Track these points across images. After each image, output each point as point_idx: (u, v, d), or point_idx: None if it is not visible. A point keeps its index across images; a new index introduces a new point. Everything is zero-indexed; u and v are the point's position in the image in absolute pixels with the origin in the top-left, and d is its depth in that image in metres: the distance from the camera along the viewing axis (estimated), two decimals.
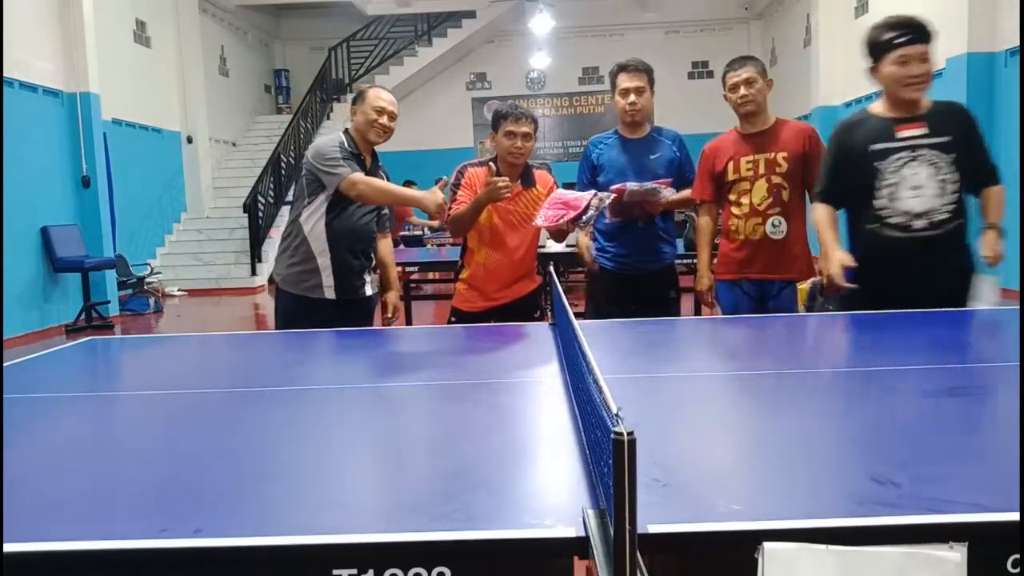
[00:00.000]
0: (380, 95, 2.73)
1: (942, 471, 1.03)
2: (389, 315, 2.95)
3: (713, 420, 1.38)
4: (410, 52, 13.59)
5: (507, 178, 2.62)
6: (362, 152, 2.74)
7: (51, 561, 0.86)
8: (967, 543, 0.83)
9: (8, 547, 0.85)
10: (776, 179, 2.80)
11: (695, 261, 3.16)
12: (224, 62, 12.68)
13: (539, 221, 2.68)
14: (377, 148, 2.82)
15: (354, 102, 2.77)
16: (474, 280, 2.87)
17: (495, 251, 2.81)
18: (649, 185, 2.83)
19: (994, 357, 1.85)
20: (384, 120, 2.70)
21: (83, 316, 7.45)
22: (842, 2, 10.40)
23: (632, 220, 2.95)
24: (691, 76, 14.13)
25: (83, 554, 0.86)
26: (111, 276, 8.06)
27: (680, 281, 3.26)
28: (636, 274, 3.00)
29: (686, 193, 3.01)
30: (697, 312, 4.18)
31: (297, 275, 2.72)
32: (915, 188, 2.34)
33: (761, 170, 2.81)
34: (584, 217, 2.64)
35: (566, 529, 0.87)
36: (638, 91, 2.93)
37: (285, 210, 10.92)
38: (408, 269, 5.11)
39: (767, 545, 0.83)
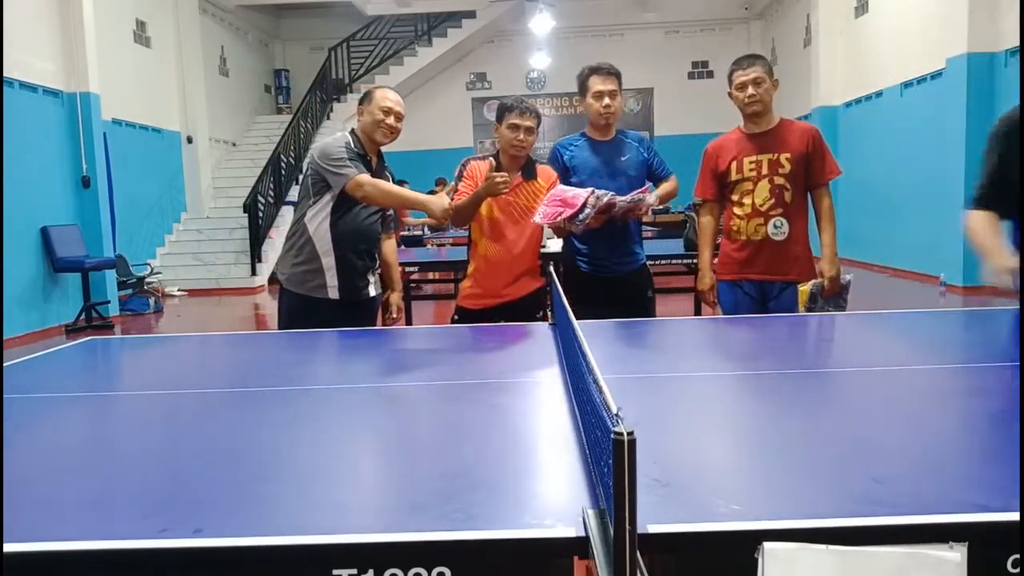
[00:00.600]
0: (387, 95, 2.73)
1: (942, 471, 1.03)
2: (393, 315, 2.97)
3: (713, 420, 1.39)
4: (410, 52, 13.59)
5: (506, 174, 2.66)
6: (368, 152, 2.74)
7: (51, 561, 0.86)
8: (967, 543, 0.83)
9: (8, 547, 0.85)
10: (779, 180, 2.79)
11: (695, 261, 3.16)
12: (224, 62, 12.68)
13: (537, 218, 2.73)
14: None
15: (361, 102, 2.77)
16: (477, 274, 2.91)
17: (495, 242, 2.86)
18: (636, 196, 2.83)
19: (994, 357, 1.85)
20: (391, 120, 2.70)
21: (83, 316, 7.45)
22: (842, 2, 10.40)
23: (612, 219, 2.93)
24: (691, 76, 14.13)
25: (83, 554, 0.86)
26: (111, 276, 8.06)
27: (675, 281, 3.26)
28: (612, 275, 3.00)
29: (667, 186, 3.01)
30: (697, 312, 4.18)
31: (301, 275, 2.72)
32: None
33: (764, 171, 2.80)
34: (581, 216, 2.67)
35: (566, 529, 0.87)
36: (611, 94, 2.93)
37: (285, 210, 10.92)
38: (408, 269, 5.11)
39: (767, 545, 0.83)
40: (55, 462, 1.21)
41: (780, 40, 13.05)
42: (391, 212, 2.94)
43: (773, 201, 2.80)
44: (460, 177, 2.88)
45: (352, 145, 2.68)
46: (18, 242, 6.82)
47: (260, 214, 10.49)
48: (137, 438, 1.39)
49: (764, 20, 13.92)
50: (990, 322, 2.27)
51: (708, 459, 1.16)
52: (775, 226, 2.80)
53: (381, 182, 2.66)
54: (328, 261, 2.69)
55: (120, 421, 1.53)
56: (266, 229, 10.68)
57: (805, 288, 2.77)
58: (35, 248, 7.16)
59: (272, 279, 10.43)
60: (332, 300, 2.70)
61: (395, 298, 2.99)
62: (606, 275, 3.00)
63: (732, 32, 14.06)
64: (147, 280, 9.01)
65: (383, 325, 2.92)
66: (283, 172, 11.32)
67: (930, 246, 8.00)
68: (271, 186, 11.02)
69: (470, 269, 2.94)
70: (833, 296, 2.77)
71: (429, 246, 8.64)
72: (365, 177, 2.59)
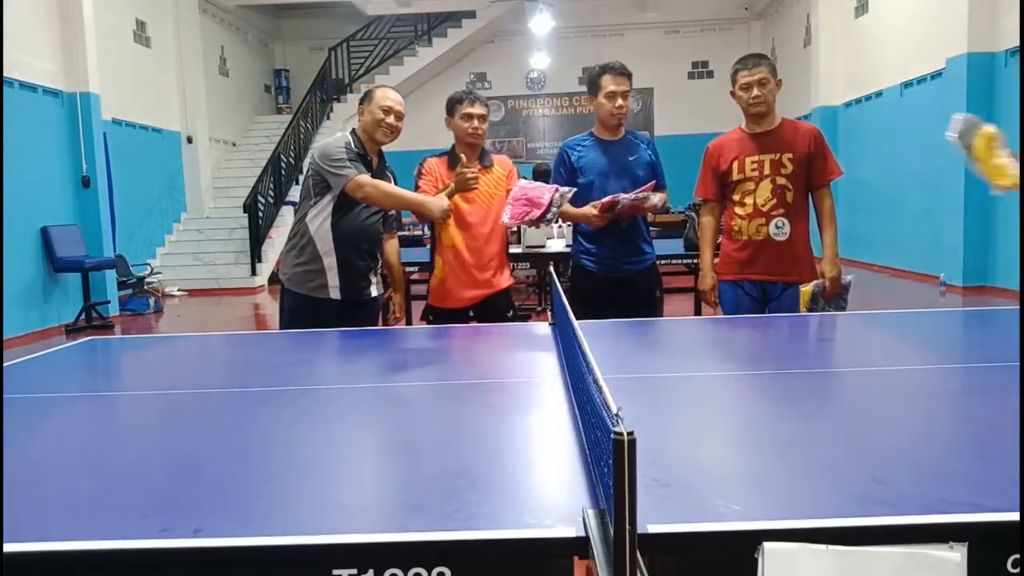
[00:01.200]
0: (387, 94, 2.74)
1: (942, 471, 1.03)
2: (396, 315, 2.99)
3: (713, 420, 1.38)
4: (410, 52, 13.58)
5: (475, 168, 2.71)
6: (368, 152, 2.74)
7: (51, 561, 0.86)
8: (967, 543, 0.83)
9: (8, 547, 0.85)
10: (781, 180, 2.79)
11: (696, 261, 3.15)
12: (224, 62, 12.67)
13: (505, 218, 2.81)
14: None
15: (361, 102, 2.78)
16: (447, 267, 2.96)
17: (462, 231, 2.92)
18: (640, 194, 2.83)
19: (994, 357, 1.85)
20: (391, 119, 2.70)
21: (83, 316, 7.45)
22: (842, 2, 10.40)
23: (618, 218, 2.94)
24: (691, 76, 14.13)
25: (83, 554, 0.86)
26: (111, 276, 8.06)
27: (675, 281, 3.26)
28: (620, 275, 3.00)
29: (664, 196, 3.01)
30: (698, 312, 4.18)
31: (303, 274, 2.72)
32: None
33: (766, 171, 2.80)
34: (548, 215, 2.75)
35: (566, 529, 0.87)
36: (624, 95, 2.93)
37: (285, 210, 10.92)
38: (408, 269, 5.11)
39: (767, 545, 0.83)
40: (55, 462, 1.21)
41: (780, 40, 13.05)
42: (393, 212, 2.95)
43: (775, 201, 2.79)
44: (420, 175, 2.95)
45: (352, 145, 2.68)
46: (18, 242, 6.82)
47: (260, 214, 10.49)
48: (137, 438, 1.39)
49: (764, 20, 13.92)
50: (990, 322, 2.27)
51: (708, 459, 1.16)
52: (777, 226, 2.79)
53: (381, 183, 2.66)
54: (329, 261, 2.70)
55: (120, 421, 1.53)
56: (266, 229, 10.67)
57: (806, 289, 2.77)
58: (35, 248, 7.16)
59: (272, 279, 10.43)
60: (333, 300, 2.71)
61: (397, 298, 3.01)
62: (613, 274, 3.00)
63: (732, 32, 14.06)
64: (147, 280, 9.00)
65: (384, 325, 2.94)
66: (283, 172, 11.32)
67: (930, 246, 8.00)
68: (271, 186, 11.01)
69: (439, 265, 2.99)
70: (834, 297, 2.77)
71: (429, 246, 8.61)
72: (365, 178, 2.60)
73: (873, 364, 1.75)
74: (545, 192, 2.75)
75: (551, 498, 1.01)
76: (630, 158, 2.97)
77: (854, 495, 0.94)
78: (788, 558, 0.82)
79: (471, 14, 13.30)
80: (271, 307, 8.76)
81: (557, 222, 3.08)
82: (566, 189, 2.78)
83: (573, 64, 14.33)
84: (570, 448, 1.16)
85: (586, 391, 1.10)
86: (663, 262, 4.33)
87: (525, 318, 3.06)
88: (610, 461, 0.77)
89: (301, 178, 2.94)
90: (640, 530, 0.78)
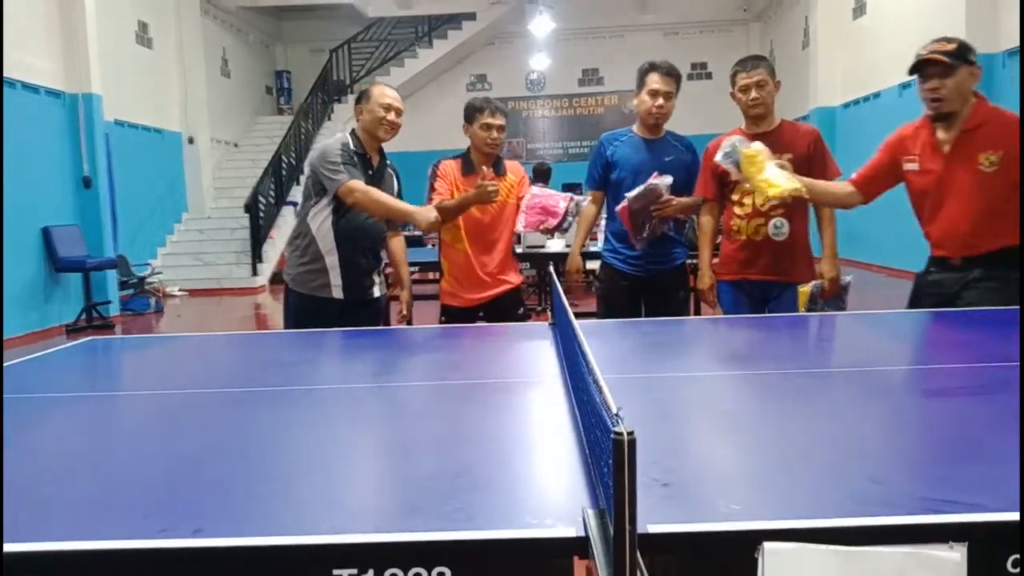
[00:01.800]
0: (385, 92, 2.74)
1: (942, 471, 1.03)
2: (403, 312, 3.01)
3: (713, 420, 1.38)
4: (411, 54, 13.59)
5: (496, 183, 2.74)
6: (368, 151, 2.75)
7: (51, 561, 0.85)
8: (967, 543, 0.83)
9: (8, 547, 0.85)
10: None
11: (694, 261, 3.16)
12: (226, 63, 12.68)
13: (519, 227, 2.86)
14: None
15: (358, 101, 2.78)
16: (455, 269, 2.99)
17: (471, 235, 2.94)
18: (645, 186, 2.82)
19: (994, 357, 1.85)
20: (391, 116, 2.71)
21: (84, 316, 7.45)
22: (840, 4, 10.40)
23: (656, 237, 2.90)
24: (690, 77, 14.11)
25: (83, 554, 0.86)
26: (112, 276, 8.07)
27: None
28: (648, 276, 3.00)
29: (688, 200, 2.99)
30: (697, 312, 4.18)
31: (305, 274, 2.73)
32: None
33: None
34: (564, 224, 2.80)
35: (566, 529, 0.87)
36: (667, 95, 2.93)
37: (286, 210, 10.93)
38: (408, 269, 5.11)
39: (767, 545, 0.82)
40: (55, 462, 1.21)
41: (779, 41, 13.06)
42: None
43: (774, 201, 2.79)
44: (434, 177, 2.97)
45: (351, 146, 2.69)
46: (19, 242, 6.82)
47: (261, 214, 10.50)
48: (137, 438, 1.39)
49: (763, 22, 13.92)
50: (990, 322, 2.27)
51: (708, 459, 1.16)
52: (775, 226, 2.79)
53: (372, 190, 2.65)
54: (332, 260, 2.70)
55: (120, 421, 1.53)
56: (267, 229, 10.68)
57: (805, 289, 2.77)
58: (36, 248, 7.16)
59: (273, 279, 10.44)
60: (336, 299, 2.71)
61: (405, 295, 3.01)
62: (639, 273, 3.00)
63: (731, 34, 14.06)
64: (148, 280, 9.01)
65: (399, 323, 2.98)
66: (284, 173, 11.34)
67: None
68: (272, 187, 11.03)
69: (447, 268, 3.03)
70: (833, 298, 2.77)
71: (430, 246, 8.62)
72: (356, 183, 2.60)
73: (873, 364, 1.75)
74: (560, 201, 2.76)
75: (551, 498, 1.01)
76: (666, 159, 2.95)
77: (854, 495, 0.94)
78: (788, 558, 0.82)
79: (471, 16, 13.32)
80: (272, 307, 8.76)
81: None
82: (580, 198, 2.80)
83: (573, 66, 14.35)
84: (570, 448, 1.16)
85: (586, 391, 1.10)
86: None
87: (525, 318, 3.08)
88: (610, 461, 0.77)
89: (302, 179, 2.95)
90: (640, 530, 0.78)
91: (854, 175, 2.62)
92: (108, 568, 0.87)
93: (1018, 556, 0.84)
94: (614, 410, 0.80)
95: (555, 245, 4.54)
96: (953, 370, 1.64)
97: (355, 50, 13.76)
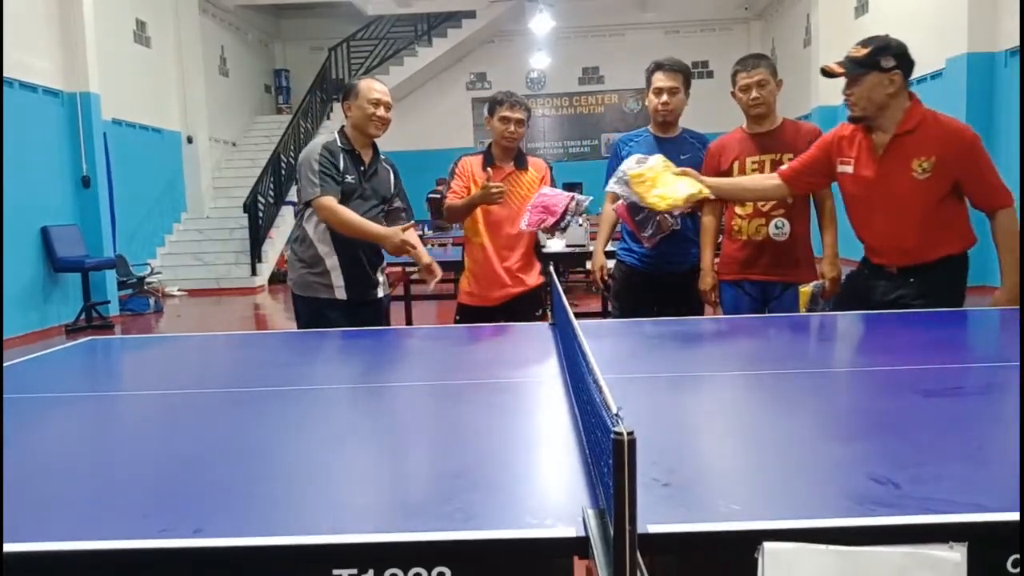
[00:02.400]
0: (373, 86, 2.72)
1: (942, 471, 1.03)
2: (424, 261, 2.73)
3: (713, 420, 1.39)
4: (410, 52, 13.58)
5: (502, 184, 2.74)
6: (358, 148, 2.73)
7: (51, 561, 0.85)
8: (967, 543, 0.83)
9: (8, 547, 0.85)
10: None
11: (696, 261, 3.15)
12: (224, 62, 12.67)
13: (523, 225, 2.82)
14: (379, 147, 2.83)
15: (345, 98, 2.75)
16: (475, 267, 2.97)
17: (489, 230, 2.93)
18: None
19: (994, 357, 1.85)
20: (381, 111, 2.69)
21: (83, 316, 7.45)
22: (842, 2, 10.40)
23: (665, 234, 2.87)
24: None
25: (83, 554, 0.86)
26: (111, 276, 8.06)
27: None
28: (662, 274, 2.99)
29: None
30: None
31: (307, 277, 2.72)
32: None
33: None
34: (563, 223, 2.77)
35: (566, 529, 0.87)
36: (671, 91, 2.93)
37: (285, 210, 10.92)
38: (408, 269, 5.11)
39: (767, 545, 0.82)
40: (55, 462, 1.21)
41: (780, 40, 13.05)
42: (398, 204, 2.90)
43: (775, 201, 2.79)
44: (452, 174, 2.97)
45: (339, 145, 2.67)
46: (18, 242, 6.82)
47: (260, 214, 10.50)
48: (137, 438, 1.39)
49: (764, 20, 13.91)
50: (990, 322, 2.27)
51: (708, 459, 1.16)
52: (776, 226, 2.79)
53: (342, 209, 2.60)
54: (332, 262, 2.69)
55: (120, 421, 1.53)
56: (266, 229, 10.68)
57: (806, 289, 2.77)
58: (35, 248, 7.16)
59: (272, 279, 10.44)
60: (339, 301, 2.70)
61: (421, 253, 2.75)
62: (653, 272, 2.99)
63: (732, 32, 14.06)
64: (147, 280, 9.01)
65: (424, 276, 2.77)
66: (283, 172, 11.33)
67: None
68: (271, 186, 11.02)
69: (468, 265, 3.01)
70: (834, 298, 2.77)
71: (431, 246, 8.63)
72: (327, 200, 2.59)
73: (872, 364, 1.75)
74: (561, 200, 2.75)
75: (551, 498, 1.01)
76: (682, 157, 2.92)
77: (854, 495, 0.94)
78: (788, 558, 0.82)
79: (471, 14, 13.31)
80: (271, 307, 8.76)
81: (570, 226, 3.04)
82: (582, 198, 2.79)
83: (573, 64, 14.34)
84: (570, 448, 1.16)
85: (586, 391, 1.10)
86: None
87: (542, 319, 3.04)
88: (610, 461, 0.77)
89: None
90: (640, 530, 0.78)
91: (783, 167, 2.61)
92: (108, 568, 0.87)
93: (1018, 556, 0.84)
94: (614, 410, 0.80)
95: (555, 245, 4.53)
96: (953, 370, 1.64)
97: (354, 48, 13.75)
